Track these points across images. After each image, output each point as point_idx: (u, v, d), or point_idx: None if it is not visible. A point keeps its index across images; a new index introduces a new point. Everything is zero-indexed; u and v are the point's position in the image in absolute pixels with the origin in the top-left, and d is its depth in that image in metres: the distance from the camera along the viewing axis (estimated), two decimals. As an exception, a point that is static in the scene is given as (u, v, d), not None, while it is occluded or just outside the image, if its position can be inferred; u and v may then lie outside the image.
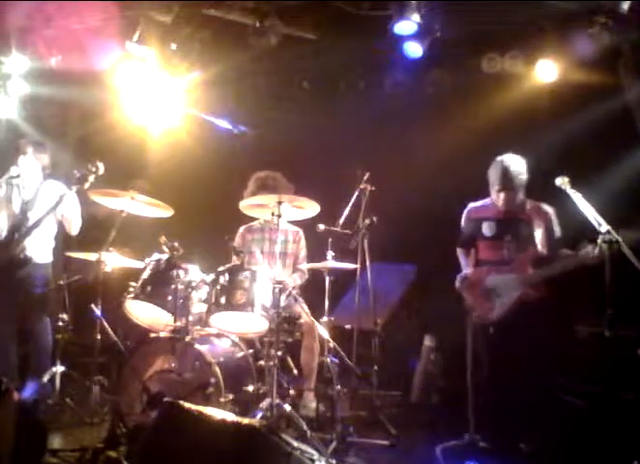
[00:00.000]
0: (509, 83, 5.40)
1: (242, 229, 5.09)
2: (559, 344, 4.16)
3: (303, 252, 5.06)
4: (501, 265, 4.15)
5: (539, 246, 4.13)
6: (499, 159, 4.20)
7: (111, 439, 3.71)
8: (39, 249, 4.74)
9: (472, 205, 4.42)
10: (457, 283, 4.26)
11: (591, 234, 3.69)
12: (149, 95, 5.53)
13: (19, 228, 4.65)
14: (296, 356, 4.65)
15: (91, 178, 4.51)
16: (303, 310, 4.46)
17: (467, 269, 4.33)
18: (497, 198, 4.21)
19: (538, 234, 4.14)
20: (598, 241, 3.56)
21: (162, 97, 5.64)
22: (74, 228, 4.90)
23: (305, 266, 4.90)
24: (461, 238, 4.45)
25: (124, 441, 3.74)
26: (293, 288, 4.34)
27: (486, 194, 4.35)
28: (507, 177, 4.11)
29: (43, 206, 4.70)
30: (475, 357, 4.21)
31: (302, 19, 5.32)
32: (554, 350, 4.06)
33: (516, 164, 4.15)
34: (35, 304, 4.75)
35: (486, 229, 4.24)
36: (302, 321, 4.48)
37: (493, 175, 4.20)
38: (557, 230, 4.16)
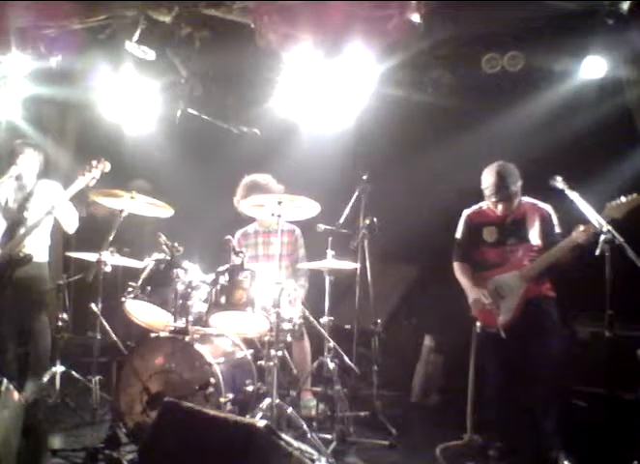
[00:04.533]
0: (510, 83, 5.39)
1: (238, 234, 5.08)
2: (562, 344, 4.13)
3: (301, 252, 5.01)
4: (502, 267, 4.09)
5: (533, 241, 4.08)
6: (491, 167, 4.11)
7: (111, 439, 3.72)
8: (37, 248, 4.73)
9: (468, 211, 4.32)
10: (473, 309, 4.13)
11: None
12: (149, 95, 5.53)
13: (17, 228, 4.65)
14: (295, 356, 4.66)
15: (97, 174, 4.52)
16: (304, 310, 4.46)
17: (472, 291, 4.15)
18: (494, 207, 4.14)
19: (535, 230, 4.09)
20: (600, 240, 3.57)
21: (162, 97, 5.64)
22: (71, 227, 4.88)
23: (304, 265, 4.87)
24: (460, 249, 4.29)
25: (124, 441, 3.75)
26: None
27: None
28: (502, 187, 4.02)
29: (40, 206, 4.69)
30: (479, 366, 4.15)
31: (302, 19, 5.30)
32: (559, 350, 4.03)
33: (510, 173, 4.06)
34: (33, 304, 4.75)
35: (487, 235, 4.16)
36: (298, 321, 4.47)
37: (488, 186, 4.09)
38: (556, 225, 4.09)
